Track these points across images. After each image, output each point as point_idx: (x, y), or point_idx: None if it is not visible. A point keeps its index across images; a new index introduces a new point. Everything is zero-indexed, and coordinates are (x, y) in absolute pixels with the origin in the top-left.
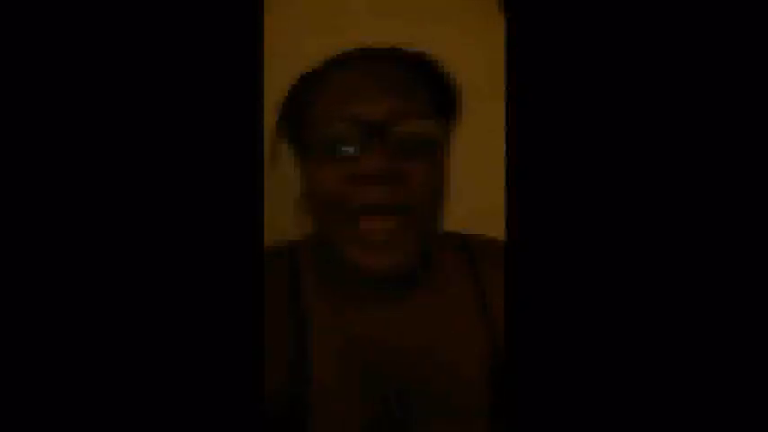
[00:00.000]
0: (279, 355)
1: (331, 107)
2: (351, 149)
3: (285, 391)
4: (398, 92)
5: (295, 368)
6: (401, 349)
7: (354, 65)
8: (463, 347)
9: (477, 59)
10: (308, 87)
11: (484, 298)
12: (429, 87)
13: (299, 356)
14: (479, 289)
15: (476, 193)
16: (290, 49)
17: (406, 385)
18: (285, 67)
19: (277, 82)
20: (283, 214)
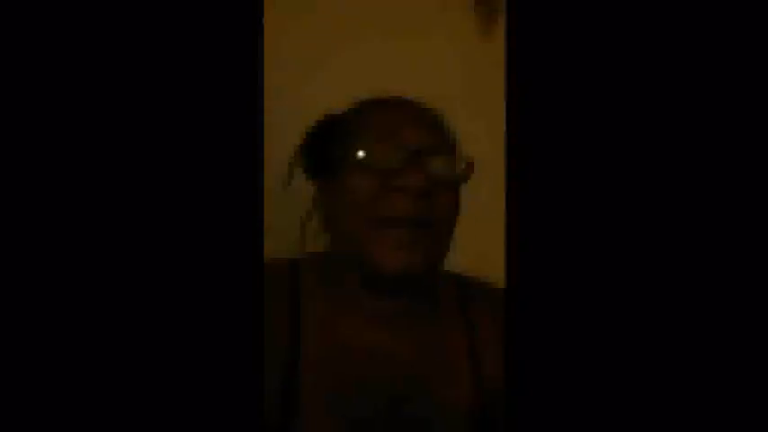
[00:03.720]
0: (273, 368)
1: (378, 133)
2: (392, 169)
3: (277, 403)
4: (430, 129)
5: (287, 382)
6: (391, 372)
7: (383, 107)
8: (449, 381)
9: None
10: (337, 124)
11: (474, 338)
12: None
13: (292, 371)
14: (470, 329)
15: (476, 198)
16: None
17: (390, 404)
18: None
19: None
20: (286, 231)
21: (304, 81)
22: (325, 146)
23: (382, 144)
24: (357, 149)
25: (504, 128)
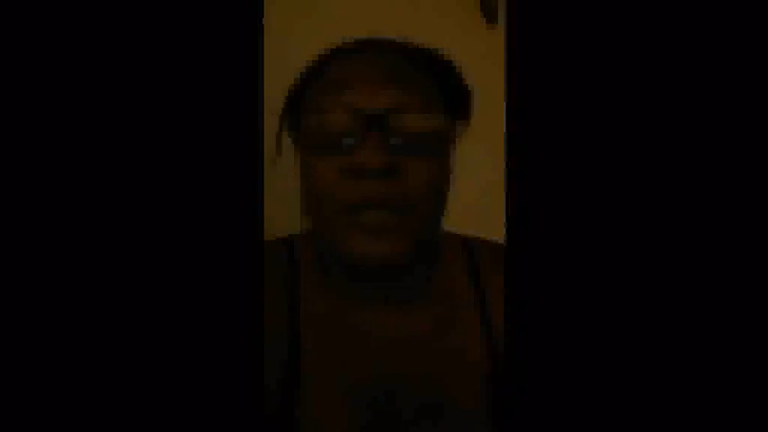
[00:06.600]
0: (272, 349)
1: (330, 97)
2: (349, 141)
3: (277, 385)
4: (401, 83)
5: (288, 362)
6: (397, 347)
7: (357, 54)
8: (460, 349)
9: (477, 60)
10: (309, 78)
11: (484, 302)
12: (436, 83)
13: (293, 351)
14: (480, 292)
15: (476, 194)
16: (291, 45)
17: (395, 387)
18: (285, 64)
19: (277, 78)
20: (284, 209)
21: None
22: (291, 113)
23: (330, 109)
24: (306, 120)
25: (504, 128)
